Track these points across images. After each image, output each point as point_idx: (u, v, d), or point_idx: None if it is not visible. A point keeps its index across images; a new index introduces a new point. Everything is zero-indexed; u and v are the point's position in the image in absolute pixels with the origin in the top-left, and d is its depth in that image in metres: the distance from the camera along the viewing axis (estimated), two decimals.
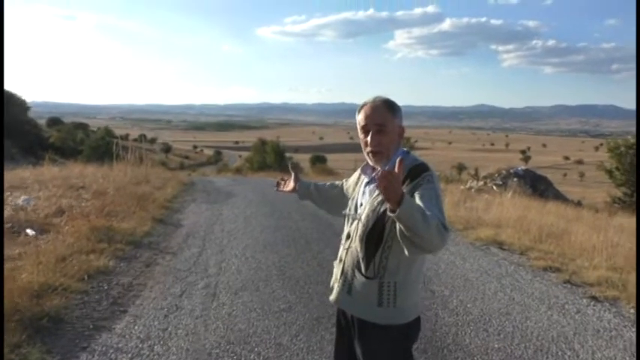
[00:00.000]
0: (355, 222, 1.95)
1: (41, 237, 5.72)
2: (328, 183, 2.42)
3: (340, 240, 2.07)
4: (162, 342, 3.43)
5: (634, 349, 3.59)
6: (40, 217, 6.67)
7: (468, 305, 4.39)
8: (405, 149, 1.96)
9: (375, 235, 1.84)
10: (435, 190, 1.78)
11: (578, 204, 16.01)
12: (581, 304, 4.52)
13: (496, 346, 3.55)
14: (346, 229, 2.04)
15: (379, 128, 1.88)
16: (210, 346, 3.38)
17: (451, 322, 3.97)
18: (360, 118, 1.94)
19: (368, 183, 1.97)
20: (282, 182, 2.46)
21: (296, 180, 2.39)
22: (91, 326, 3.63)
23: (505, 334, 3.77)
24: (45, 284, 4.07)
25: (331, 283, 2.07)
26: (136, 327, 3.67)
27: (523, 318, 4.11)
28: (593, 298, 4.69)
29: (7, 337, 3.15)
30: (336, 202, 2.30)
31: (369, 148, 1.91)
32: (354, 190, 2.12)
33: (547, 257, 6.09)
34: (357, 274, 1.90)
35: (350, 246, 1.96)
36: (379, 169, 1.88)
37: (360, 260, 1.89)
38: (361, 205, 1.97)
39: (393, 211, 1.59)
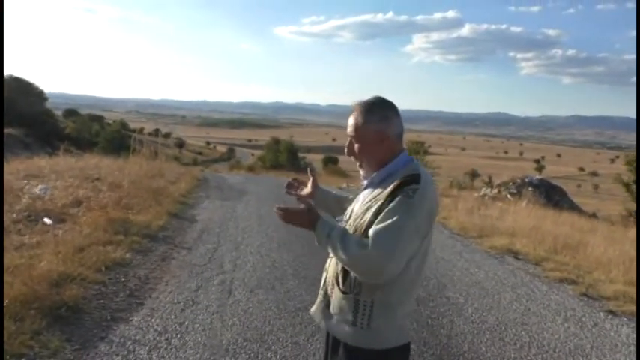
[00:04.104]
0: None
1: (58, 226, 5.78)
2: (351, 196, 2.16)
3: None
4: (179, 335, 3.45)
5: None
6: (57, 207, 6.73)
7: (484, 313, 4.36)
8: (410, 157, 1.80)
9: None
10: (408, 207, 1.61)
11: (593, 216, 15.83)
12: (598, 317, 4.47)
13: (512, 355, 3.53)
14: None
15: (352, 137, 1.81)
16: (226, 342, 3.39)
17: (467, 329, 3.95)
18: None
19: (365, 189, 1.86)
20: (296, 184, 2.18)
21: (314, 185, 2.15)
22: (109, 317, 3.66)
23: (521, 344, 3.74)
24: (64, 273, 4.11)
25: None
26: (153, 319, 3.69)
27: (539, 329, 4.07)
28: (611, 311, 4.64)
29: (27, 324, 3.19)
30: None
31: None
32: None
33: (563, 269, 6.03)
34: (335, 287, 1.78)
35: (333, 256, 1.82)
36: (374, 174, 1.80)
37: (339, 272, 1.76)
38: (352, 211, 1.87)
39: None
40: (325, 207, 2.16)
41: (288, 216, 1.78)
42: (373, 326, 1.69)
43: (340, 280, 1.75)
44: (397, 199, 1.63)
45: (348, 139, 1.83)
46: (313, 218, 1.74)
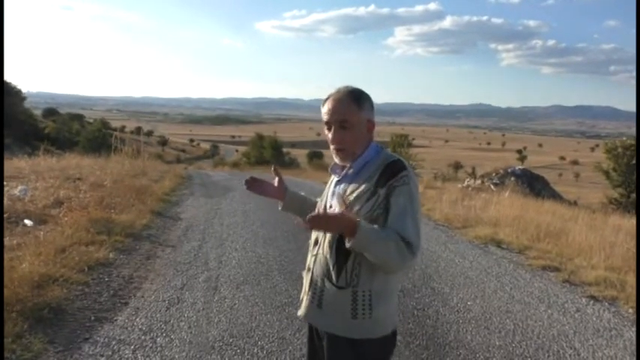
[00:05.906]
0: None
1: (39, 228, 5.69)
2: (317, 199, 2.11)
3: (308, 247, 1.89)
4: (164, 334, 3.42)
5: (634, 348, 3.61)
6: (38, 208, 6.63)
7: (469, 303, 4.40)
8: (379, 145, 1.81)
9: None
10: (410, 195, 1.64)
11: (575, 204, 16.07)
12: (580, 303, 4.55)
13: (497, 343, 3.57)
14: (314, 235, 1.83)
15: (342, 124, 1.73)
16: (213, 339, 3.38)
17: (452, 319, 3.98)
18: (323, 112, 1.77)
19: (338, 182, 1.82)
20: (257, 183, 2.05)
21: (281, 185, 2.04)
22: (93, 318, 3.62)
23: (506, 331, 3.79)
24: (45, 275, 4.04)
25: (301, 296, 1.87)
26: (138, 319, 3.66)
27: (523, 316, 4.13)
28: (592, 297, 4.72)
29: (8, 327, 3.13)
30: None
31: (332, 146, 1.78)
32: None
33: (545, 256, 6.11)
34: (327, 284, 1.73)
35: (318, 253, 1.78)
36: (348, 166, 1.77)
37: (331, 268, 1.71)
38: (331, 207, 1.80)
39: (348, 241, 1.56)
40: (294, 209, 2.08)
41: (323, 221, 1.57)
42: (374, 316, 1.68)
43: (334, 275, 1.70)
44: (397, 189, 1.64)
45: (332, 125, 1.75)
46: (354, 221, 1.56)
